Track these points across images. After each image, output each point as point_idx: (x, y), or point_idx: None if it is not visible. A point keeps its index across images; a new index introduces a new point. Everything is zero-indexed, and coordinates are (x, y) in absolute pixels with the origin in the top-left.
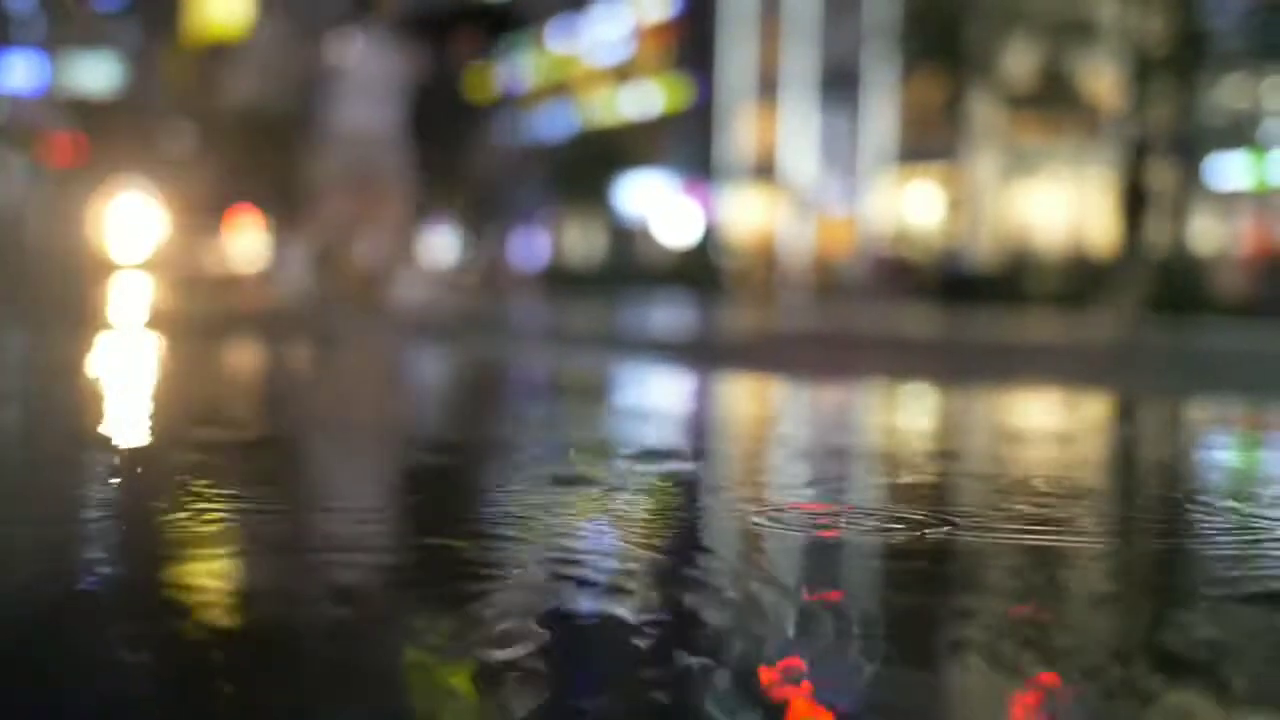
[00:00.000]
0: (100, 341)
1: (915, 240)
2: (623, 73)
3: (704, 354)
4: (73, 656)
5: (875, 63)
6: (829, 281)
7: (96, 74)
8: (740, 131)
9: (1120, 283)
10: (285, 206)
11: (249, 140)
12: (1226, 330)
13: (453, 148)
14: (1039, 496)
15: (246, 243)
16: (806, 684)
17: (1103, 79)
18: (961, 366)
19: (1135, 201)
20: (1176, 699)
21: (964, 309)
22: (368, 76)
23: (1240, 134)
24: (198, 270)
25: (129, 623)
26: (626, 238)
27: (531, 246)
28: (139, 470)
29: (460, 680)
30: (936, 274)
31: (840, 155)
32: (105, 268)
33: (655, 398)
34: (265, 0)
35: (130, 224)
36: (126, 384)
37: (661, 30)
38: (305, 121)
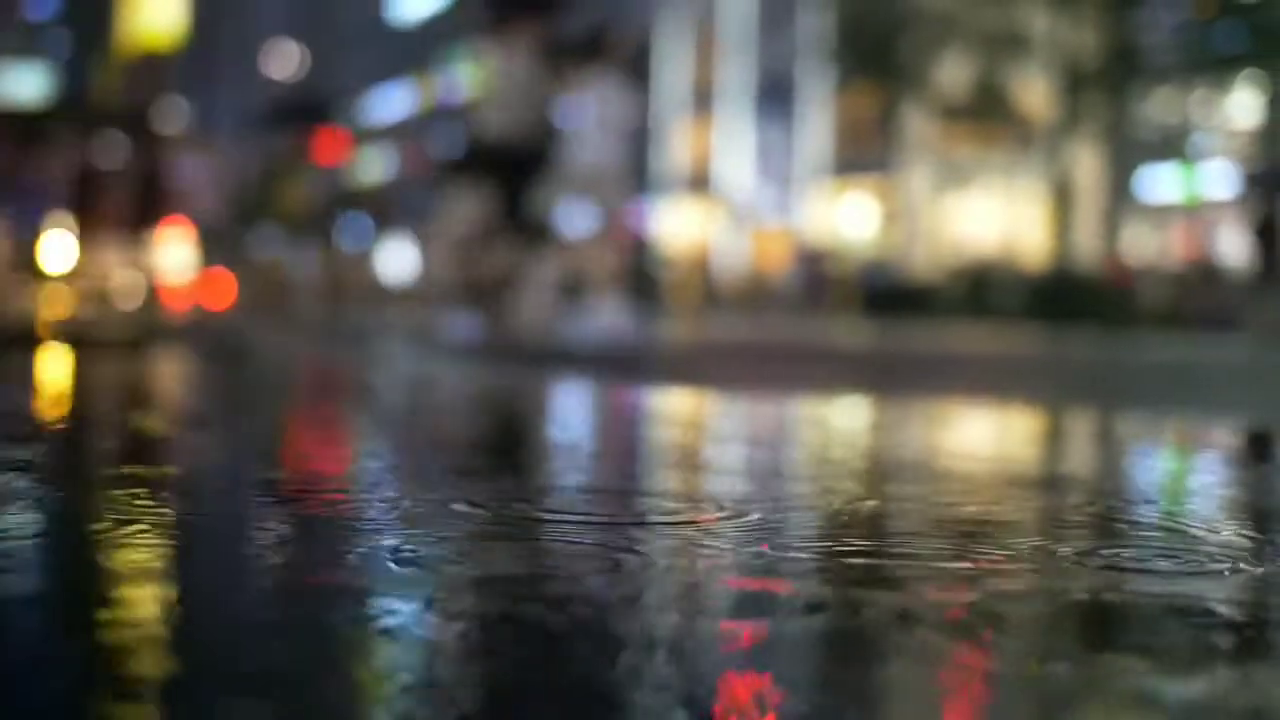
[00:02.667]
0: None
1: (845, 252)
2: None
3: (636, 368)
4: None
5: (810, 76)
6: (764, 293)
7: (24, 83)
8: (676, 144)
9: (1256, 306)
10: (523, 236)
11: (493, 173)
12: (1157, 342)
13: None
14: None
15: (172, 256)
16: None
17: (1035, 92)
18: (885, 379)
19: (1269, 231)
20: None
21: (891, 321)
22: (600, 119)
23: (1170, 147)
24: (120, 283)
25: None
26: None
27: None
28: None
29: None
30: (860, 286)
31: (775, 167)
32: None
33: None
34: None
35: (50, 235)
36: (21, 394)
37: None
38: (543, 158)
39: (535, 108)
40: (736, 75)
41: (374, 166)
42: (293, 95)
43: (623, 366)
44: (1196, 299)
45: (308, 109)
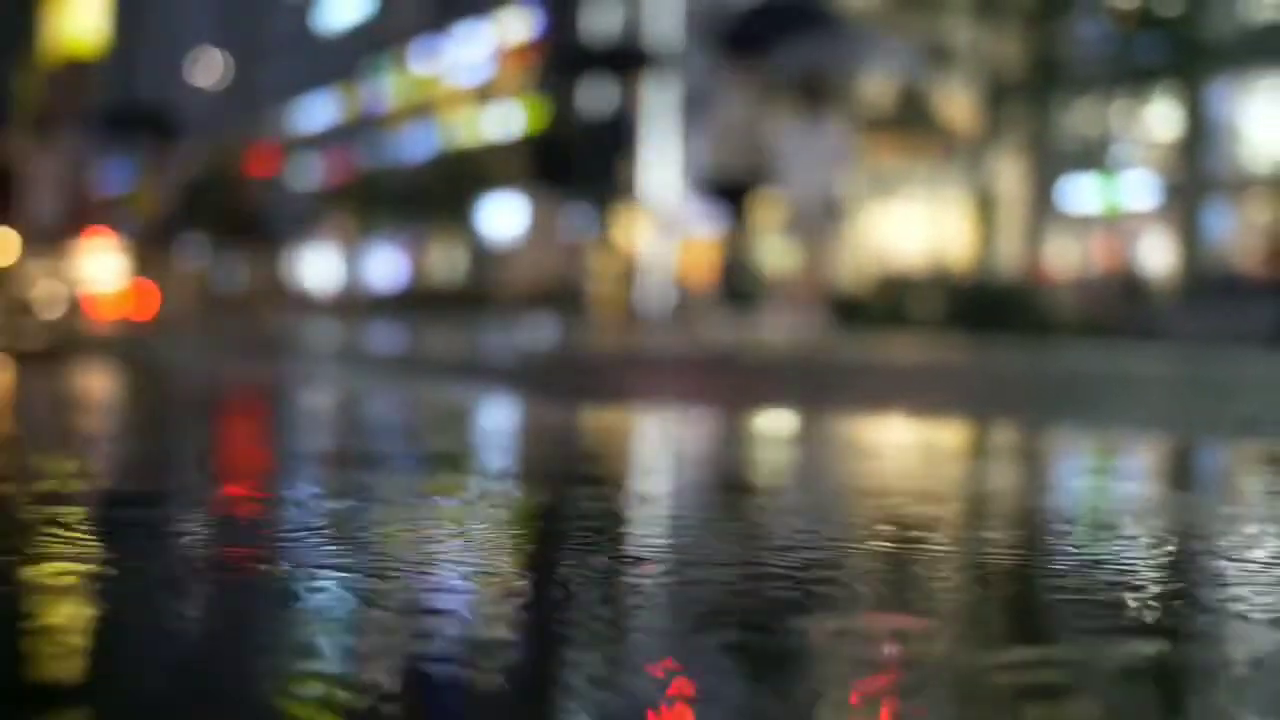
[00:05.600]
0: None
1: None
2: (484, 93)
3: (552, 382)
4: None
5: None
6: (691, 302)
7: None
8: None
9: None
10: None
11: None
12: (1081, 351)
13: None
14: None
15: (98, 264)
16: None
17: (958, 103)
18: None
19: None
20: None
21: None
22: (811, 151)
23: (1091, 157)
24: (46, 292)
25: None
26: (488, 259)
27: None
28: None
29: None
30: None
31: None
32: None
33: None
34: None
35: None
36: None
37: (523, 51)
38: (760, 186)
39: (755, 145)
40: (663, 83)
41: (300, 175)
42: (139, 103)
43: (538, 380)
44: (1118, 308)
45: (157, 117)
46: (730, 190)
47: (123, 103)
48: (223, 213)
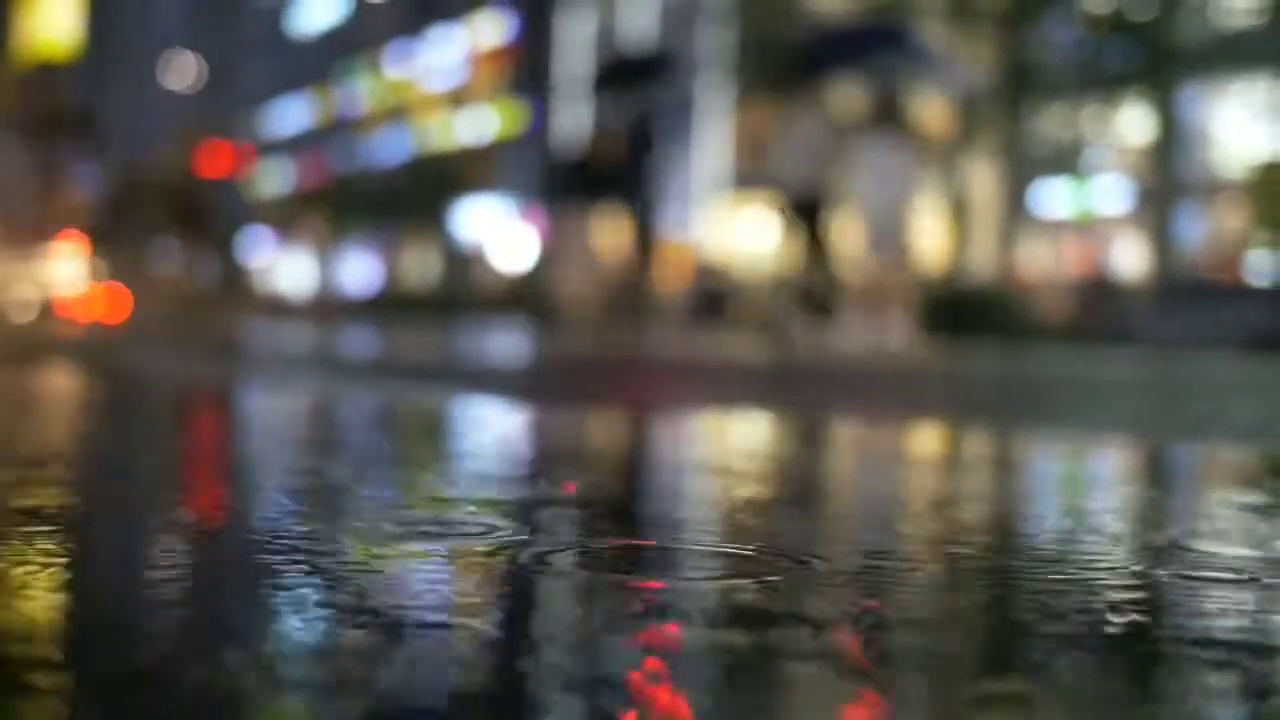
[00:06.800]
0: None
1: (741, 265)
2: (459, 97)
3: (514, 384)
4: None
5: (709, 90)
6: (663, 307)
7: None
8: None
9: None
10: (818, 269)
11: (794, 211)
12: (1056, 355)
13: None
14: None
15: (70, 267)
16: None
17: (932, 107)
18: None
19: None
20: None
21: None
22: (884, 168)
23: (1064, 162)
24: (17, 294)
25: None
26: (462, 263)
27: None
28: None
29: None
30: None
31: (675, 181)
32: None
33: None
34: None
35: None
36: None
37: (497, 55)
38: (833, 200)
39: (823, 167)
40: (667, 93)
41: (274, 178)
42: (59, 103)
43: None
44: (1091, 312)
45: (84, 119)
46: (804, 205)
47: (48, 106)
48: (173, 213)
